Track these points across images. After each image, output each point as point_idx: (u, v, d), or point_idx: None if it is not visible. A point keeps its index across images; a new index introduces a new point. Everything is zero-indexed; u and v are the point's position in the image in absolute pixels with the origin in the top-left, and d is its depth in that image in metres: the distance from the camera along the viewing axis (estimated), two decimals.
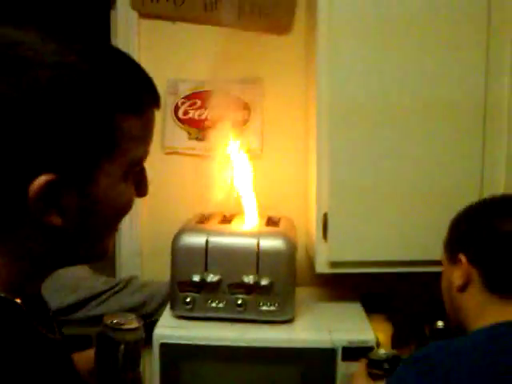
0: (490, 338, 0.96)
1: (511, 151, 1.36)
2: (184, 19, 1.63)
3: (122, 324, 0.88)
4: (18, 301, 0.59)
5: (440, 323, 1.59)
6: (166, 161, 1.68)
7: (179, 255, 1.32)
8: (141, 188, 0.65)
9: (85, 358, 0.90)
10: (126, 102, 0.57)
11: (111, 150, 0.57)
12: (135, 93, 0.59)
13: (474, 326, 1.02)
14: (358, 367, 1.21)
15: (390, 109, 1.34)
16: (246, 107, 1.67)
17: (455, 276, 1.07)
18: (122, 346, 0.87)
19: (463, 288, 1.06)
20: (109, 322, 0.89)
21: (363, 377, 1.19)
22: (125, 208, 0.63)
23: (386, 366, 1.20)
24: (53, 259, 0.62)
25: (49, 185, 0.54)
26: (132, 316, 0.93)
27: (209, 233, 1.32)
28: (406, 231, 1.37)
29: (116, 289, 1.51)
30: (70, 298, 1.44)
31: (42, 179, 0.53)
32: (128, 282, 1.55)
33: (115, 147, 0.57)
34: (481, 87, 1.33)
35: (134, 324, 0.90)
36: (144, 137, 0.61)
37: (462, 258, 1.06)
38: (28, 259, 0.59)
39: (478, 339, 0.97)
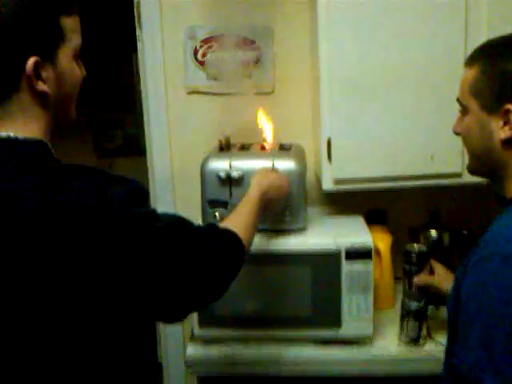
0: None
1: None
2: None
3: None
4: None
5: (433, 232, 1.82)
6: (189, 99, 1.89)
7: (208, 178, 1.52)
8: (82, 70, 1.01)
9: None
10: (65, 8, 0.94)
11: (63, 37, 0.93)
12: (69, 1, 0.96)
13: None
14: None
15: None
16: (257, 49, 1.86)
17: (498, 127, 1.00)
18: None
19: (510, 141, 1.00)
20: None
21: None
22: (78, 79, 0.99)
23: (414, 257, 1.48)
24: (48, 120, 0.95)
25: (36, 62, 0.89)
26: None
27: (231, 158, 1.53)
28: (396, 150, 1.57)
29: None
30: None
31: (32, 59, 0.89)
32: None
33: (65, 36, 0.93)
34: None
35: None
36: (78, 29, 0.97)
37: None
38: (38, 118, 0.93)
39: None
